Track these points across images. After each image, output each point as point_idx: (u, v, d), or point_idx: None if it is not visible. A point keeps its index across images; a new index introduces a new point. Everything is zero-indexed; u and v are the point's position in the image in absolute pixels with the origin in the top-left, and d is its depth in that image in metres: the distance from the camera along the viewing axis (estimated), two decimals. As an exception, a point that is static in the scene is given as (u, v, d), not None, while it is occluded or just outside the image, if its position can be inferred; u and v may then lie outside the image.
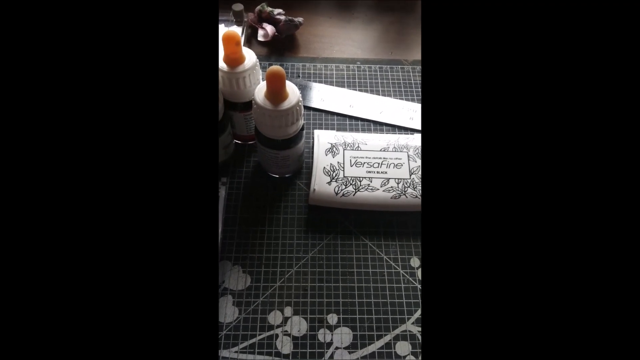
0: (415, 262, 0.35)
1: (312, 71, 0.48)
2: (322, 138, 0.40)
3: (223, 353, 0.31)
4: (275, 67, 0.30)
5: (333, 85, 0.46)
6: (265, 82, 0.32)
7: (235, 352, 0.31)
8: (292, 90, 0.32)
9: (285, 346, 0.31)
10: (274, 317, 0.32)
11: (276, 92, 0.31)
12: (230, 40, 0.32)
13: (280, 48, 0.50)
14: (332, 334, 0.32)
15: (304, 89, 0.46)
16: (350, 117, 0.44)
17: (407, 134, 0.43)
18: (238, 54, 0.33)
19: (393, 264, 0.35)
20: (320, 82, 0.47)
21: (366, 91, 0.46)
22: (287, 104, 0.32)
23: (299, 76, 0.47)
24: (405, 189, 0.37)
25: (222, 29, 0.48)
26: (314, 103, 0.44)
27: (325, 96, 0.45)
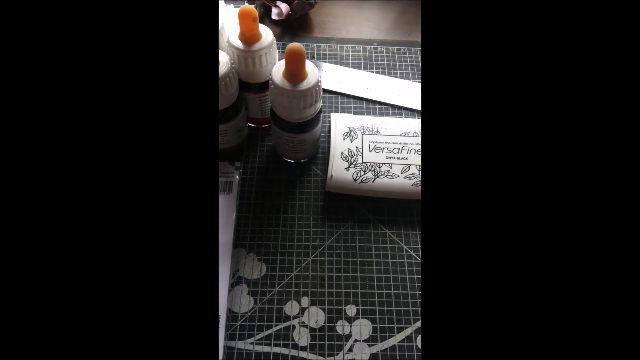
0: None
1: (327, 52, 0.46)
2: (340, 122, 0.38)
3: (238, 344, 0.30)
4: (295, 45, 0.28)
5: (349, 66, 0.44)
6: (283, 60, 0.30)
7: (251, 343, 0.30)
8: (311, 69, 0.31)
9: (302, 338, 0.30)
10: (291, 308, 0.31)
11: (296, 71, 0.30)
12: (246, 16, 0.30)
13: (294, 28, 0.48)
14: (350, 326, 0.31)
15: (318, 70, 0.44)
16: (368, 100, 0.42)
17: (427, 118, 0.41)
18: (254, 30, 0.31)
19: (413, 254, 0.34)
20: (336, 63, 0.45)
21: (383, 73, 0.44)
22: (306, 84, 0.30)
23: (313, 57, 0.45)
24: (427, 176, 0.35)
25: (234, 8, 0.46)
26: (330, 85, 0.43)
27: (341, 78, 0.43)
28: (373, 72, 0.44)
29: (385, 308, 0.31)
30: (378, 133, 0.37)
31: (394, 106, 0.42)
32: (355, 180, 0.35)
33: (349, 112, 0.41)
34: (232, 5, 0.47)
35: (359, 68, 0.44)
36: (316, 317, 0.31)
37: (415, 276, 0.33)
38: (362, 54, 0.46)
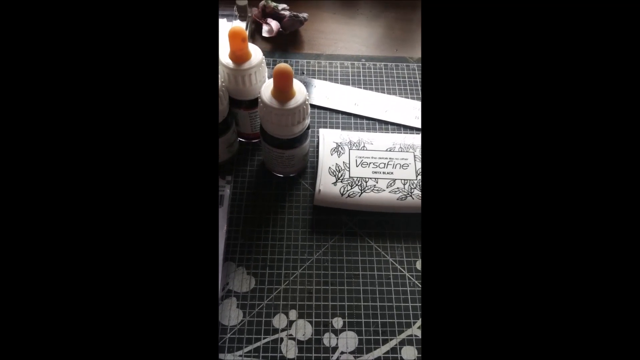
0: (421, 265, 0.35)
1: (316, 68, 0.47)
2: (328, 137, 0.39)
3: (227, 357, 0.30)
4: (283, 65, 0.29)
5: (337, 82, 0.46)
6: (272, 79, 0.31)
7: (240, 356, 0.30)
8: (299, 88, 0.32)
9: (290, 350, 0.31)
10: (279, 321, 0.32)
11: (283, 90, 0.30)
12: (236, 36, 0.31)
13: (284, 44, 0.49)
14: (337, 338, 0.31)
15: (308, 86, 0.45)
16: (355, 116, 0.43)
17: (413, 133, 0.42)
18: (244, 50, 0.32)
19: (399, 266, 0.35)
20: (325, 79, 0.46)
21: (371, 89, 0.45)
22: (293, 102, 0.31)
23: (302, 73, 0.46)
24: (412, 190, 0.36)
25: (226, 25, 0.48)
26: (318, 101, 0.44)
27: (329, 94, 0.44)
28: (361, 87, 0.45)
29: (371, 320, 0.32)
30: (365, 148, 0.38)
31: (380, 121, 0.43)
32: (342, 194, 0.36)
33: (337, 127, 0.42)
34: (224, 20, 0.48)
35: (347, 84, 0.46)
36: (304, 329, 0.32)
37: (400, 288, 0.34)
38: (350, 69, 0.47)
